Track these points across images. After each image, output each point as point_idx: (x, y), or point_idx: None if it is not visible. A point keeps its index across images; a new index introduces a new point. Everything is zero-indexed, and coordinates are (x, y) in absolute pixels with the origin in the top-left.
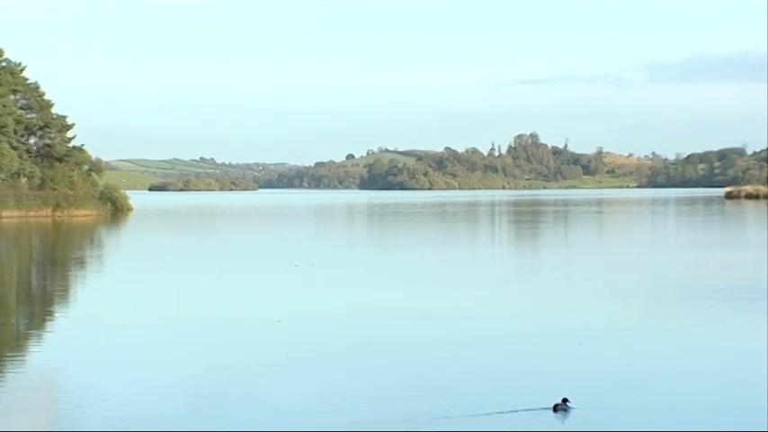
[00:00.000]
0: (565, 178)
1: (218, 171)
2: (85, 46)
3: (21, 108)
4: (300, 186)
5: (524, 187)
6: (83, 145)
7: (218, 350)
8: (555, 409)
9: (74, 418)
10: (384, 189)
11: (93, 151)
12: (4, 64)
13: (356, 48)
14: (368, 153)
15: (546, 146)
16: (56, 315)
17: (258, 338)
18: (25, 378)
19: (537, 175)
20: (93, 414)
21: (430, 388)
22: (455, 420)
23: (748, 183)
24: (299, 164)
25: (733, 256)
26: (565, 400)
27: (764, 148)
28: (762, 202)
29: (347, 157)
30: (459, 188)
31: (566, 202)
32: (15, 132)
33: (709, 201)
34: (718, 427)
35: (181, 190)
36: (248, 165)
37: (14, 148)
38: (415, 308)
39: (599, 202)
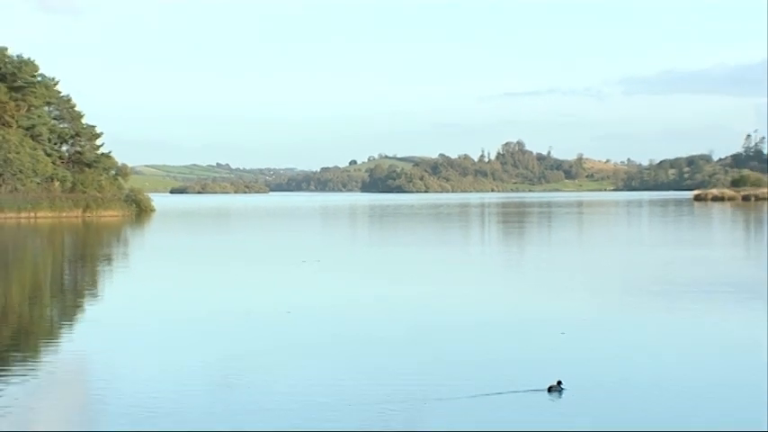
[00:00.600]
0: (548, 182)
1: (232, 175)
2: (112, 62)
3: (54, 119)
4: (307, 189)
5: (511, 190)
6: (110, 152)
7: (231, 338)
8: (549, 390)
9: (101, 398)
10: (384, 192)
11: (120, 157)
12: (39, 78)
13: (359, 64)
14: (369, 159)
15: (531, 152)
16: (85, 306)
17: (268, 327)
18: (58, 362)
19: (523, 180)
20: (118, 394)
21: (428, 372)
22: (454, 401)
23: (714, 186)
24: (307, 169)
25: (701, 252)
26: (559, 383)
27: (729, 155)
28: (726, 204)
29: (350, 163)
30: (453, 191)
31: (549, 204)
32: (49, 141)
33: (679, 203)
34: (694, 400)
35: (199, 193)
36: (260, 170)
37: (48, 155)
38: (413, 300)
39: (579, 204)
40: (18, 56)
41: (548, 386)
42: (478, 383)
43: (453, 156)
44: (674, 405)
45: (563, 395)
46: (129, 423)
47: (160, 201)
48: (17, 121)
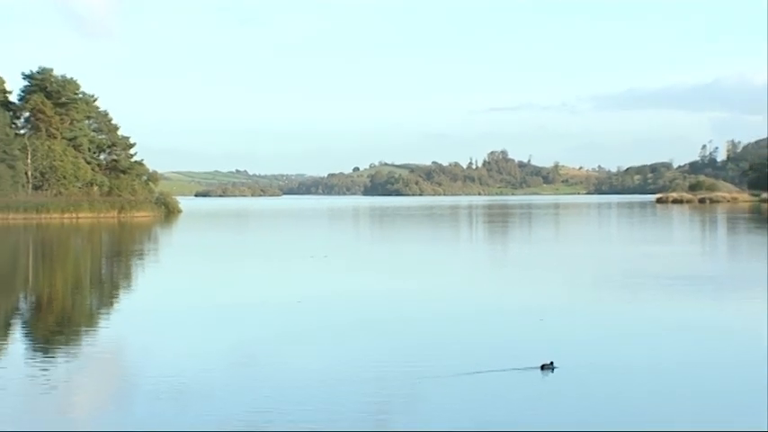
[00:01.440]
0: (528, 186)
1: (249, 181)
2: (143, 80)
3: (93, 131)
4: (316, 193)
5: (496, 194)
6: (142, 160)
7: (249, 324)
8: (542, 368)
9: (134, 376)
10: (383, 195)
11: (150, 164)
12: (80, 96)
13: (362, 82)
14: (370, 166)
15: (513, 160)
16: (120, 296)
17: (281, 315)
18: (97, 344)
19: (506, 184)
20: (148, 371)
21: (424, 353)
22: (450, 378)
23: (674, 191)
24: (315, 175)
25: (662, 248)
26: (551, 362)
27: (687, 162)
28: (685, 206)
29: (353, 170)
30: (444, 194)
31: (529, 206)
32: (89, 150)
33: (643, 205)
34: (663, 375)
35: (220, 196)
36: (274, 175)
37: (88, 163)
38: (410, 290)
39: (556, 206)
40: (62, 76)
41: (541, 365)
42: (472, 363)
43: (445, 163)
44: (646, 381)
45: (554, 372)
46: (159, 398)
47: (186, 203)
48: (61, 133)
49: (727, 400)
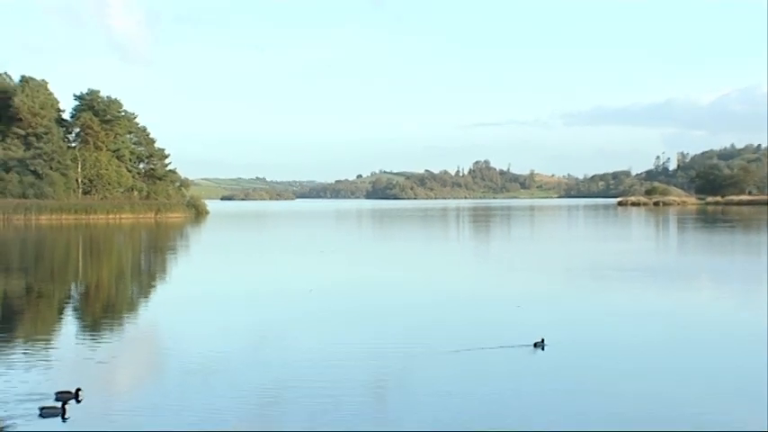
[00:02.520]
0: (508, 191)
1: (268, 186)
2: (176, 99)
3: (134, 143)
4: (324, 197)
5: (480, 198)
6: (175, 168)
7: (266, 309)
8: (535, 345)
9: (167, 354)
10: (383, 199)
11: (182, 172)
12: (123, 113)
13: (364, 101)
14: (372, 174)
15: (495, 169)
16: (156, 285)
17: (295, 302)
18: (136, 326)
19: (488, 190)
20: (180, 349)
21: (419, 334)
22: (458, 354)
23: (633, 195)
24: (324, 181)
25: (622, 245)
26: (542, 340)
27: (643, 171)
28: (642, 208)
29: (357, 177)
30: (435, 198)
31: (509, 208)
32: (130, 160)
33: (606, 207)
34: (630, 350)
35: (242, 199)
36: (289, 182)
37: (129, 171)
38: (406, 280)
39: (531, 208)
40: (107, 97)
41: (533, 342)
42: (464, 342)
43: (436, 171)
44: (620, 356)
45: (546, 349)
46: (187, 373)
47: (213, 206)
48: (106, 146)
49: (684, 371)
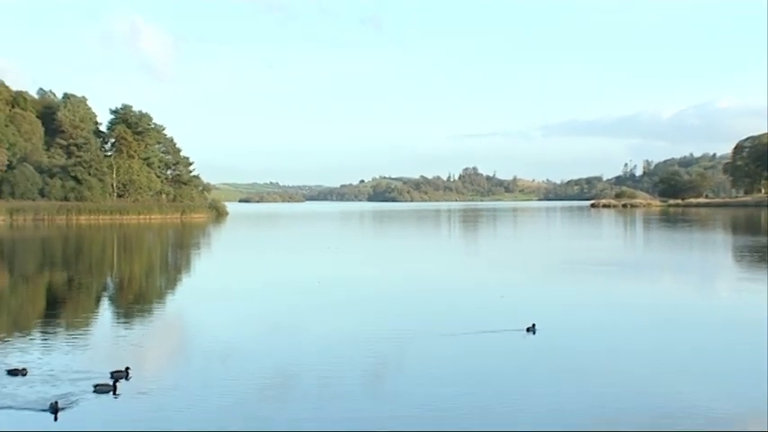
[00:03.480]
0: (494, 195)
1: (280, 190)
2: (199, 113)
3: (162, 152)
4: (331, 200)
5: (468, 200)
6: (198, 174)
7: (279, 298)
8: (527, 329)
9: (191, 339)
10: (383, 201)
11: (205, 178)
12: (153, 126)
13: (366, 115)
14: (373, 179)
15: (482, 174)
16: (182, 277)
17: (304, 292)
18: (164, 315)
19: (476, 193)
20: (203, 335)
21: (417, 320)
22: (457, 336)
23: (604, 198)
24: (330, 185)
25: (595, 242)
26: (534, 325)
27: (613, 176)
28: (612, 210)
29: (360, 181)
30: (429, 201)
31: (494, 210)
32: (159, 167)
33: (580, 209)
34: (604, 331)
35: (257, 202)
36: (299, 186)
37: (158, 177)
38: (403, 273)
39: (514, 210)
40: (139, 111)
41: (526, 327)
42: (461, 327)
43: (430, 177)
44: (599, 338)
45: (537, 332)
46: (208, 354)
47: (231, 207)
48: (138, 155)
49: (650, 350)
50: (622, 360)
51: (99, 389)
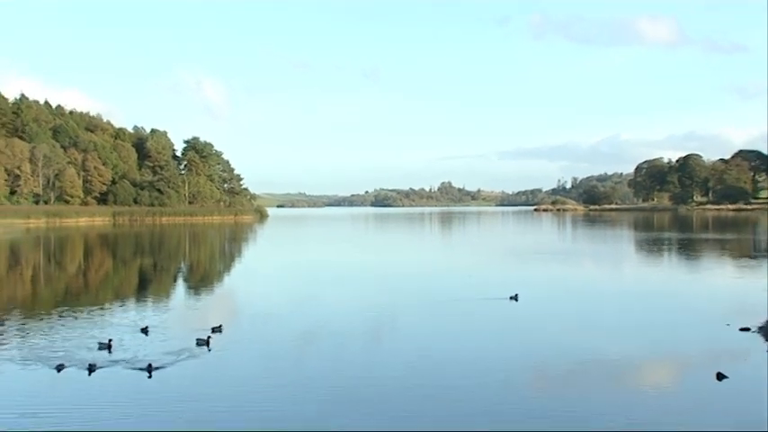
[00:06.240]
0: (463, 202)
1: (307, 198)
2: (247, 140)
3: (220, 171)
4: (343, 205)
5: (444, 206)
6: (247, 187)
7: (305, 277)
8: (510, 298)
9: (240, 308)
10: (382, 207)
11: (251, 189)
12: (213, 151)
13: (371, 141)
14: (374, 190)
15: (455, 187)
16: (234, 262)
17: (325, 270)
18: (222, 290)
19: (450, 201)
20: (247, 306)
21: (410, 294)
22: (448, 303)
23: (543, 204)
24: (343, 194)
25: (536, 237)
26: (516, 294)
27: (550, 188)
28: (549, 213)
29: (365, 192)
30: (416, 206)
31: (463, 213)
32: (218, 182)
33: (526, 213)
34: (556, 302)
35: (290, 207)
36: (320, 195)
37: (218, 189)
38: (399, 260)
39: (479, 213)
40: (204, 141)
41: (509, 296)
42: (453, 295)
43: (416, 188)
44: (538, 304)
45: (519, 301)
46: (254, 318)
47: (271, 211)
48: (203, 173)
49: (584, 316)
50: (553, 321)
51: (199, 342)
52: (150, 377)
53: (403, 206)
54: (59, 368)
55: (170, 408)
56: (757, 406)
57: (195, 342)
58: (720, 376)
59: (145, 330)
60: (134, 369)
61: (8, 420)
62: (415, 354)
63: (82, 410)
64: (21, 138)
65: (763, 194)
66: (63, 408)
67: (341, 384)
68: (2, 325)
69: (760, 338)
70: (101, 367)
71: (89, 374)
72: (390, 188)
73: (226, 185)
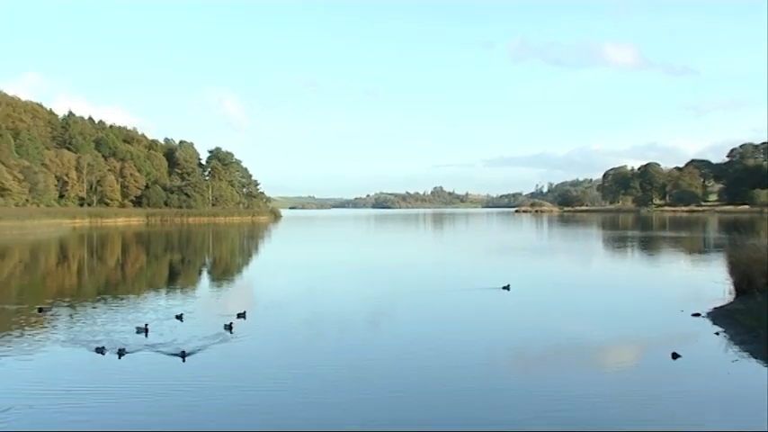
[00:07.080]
0: (453, 204)
1: (316, 201)
2: (263, 149)
3: (240, 177)
4: (347, 207)
5: (436, 208)
6: (263, 191)
7: (313, 270)
8: (503, 288)
9: (257, 297)
10: (381, 208)
11: (266, 192)
12: (234, 160)
13: (373, 151)
14: (375, 193)
15: (446, 191)
16: (252, 257)
17: (331, 266)
18: (240, 282)
19: (442, 203)
20: (263, 293)
21: (422, 282)
22: (448, 292)
23: (523, 206)
24: (348, 197)
25: (516, 234)
26: (508, 285)
27: (529, 192)
28: (529, 214)
29: (367, 195)
30: (411, 208)
31: (453, 214)
32: (238, 186)
33: (508, 214)
34: (538, 289)
35: (301, 209)
36: (328, 198)
37: (237, 193)
38: (394, 253)
39: (467, 214)
40: (225, 151)
41: (502, 286)
42: (452, 285)
43: (412, 192)
44: (521, 293)
45: (511, 290)
46: (267, 307)
47: (284, 213)
48: (225, 179)
49: (565, 302)
50: (535, 307)
51: (224, 326)
52: (184, 361)
53: (400, 208)
54: (100, 350)
55: (200, 384)
56: (706, 380)
57: (223, 326)
58: (675, 355)
59: (180, 317)
60: (168, 353)
61: (53, 395)
62: (413, 337)
63: (118, 389)
64: (68, 149)
65: (711, 198)
66: (101, 386)
67: (343, 363)
68: (51, 311)
69: (708, 322)
70: (137, 350)
71: (119, 358)
72: (389, 192)
73: (244, 190)
